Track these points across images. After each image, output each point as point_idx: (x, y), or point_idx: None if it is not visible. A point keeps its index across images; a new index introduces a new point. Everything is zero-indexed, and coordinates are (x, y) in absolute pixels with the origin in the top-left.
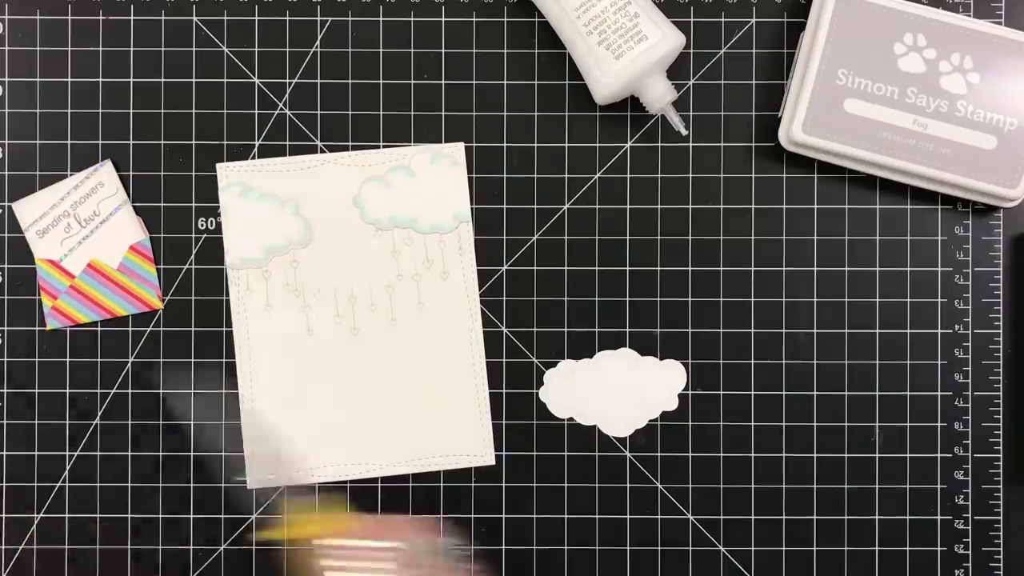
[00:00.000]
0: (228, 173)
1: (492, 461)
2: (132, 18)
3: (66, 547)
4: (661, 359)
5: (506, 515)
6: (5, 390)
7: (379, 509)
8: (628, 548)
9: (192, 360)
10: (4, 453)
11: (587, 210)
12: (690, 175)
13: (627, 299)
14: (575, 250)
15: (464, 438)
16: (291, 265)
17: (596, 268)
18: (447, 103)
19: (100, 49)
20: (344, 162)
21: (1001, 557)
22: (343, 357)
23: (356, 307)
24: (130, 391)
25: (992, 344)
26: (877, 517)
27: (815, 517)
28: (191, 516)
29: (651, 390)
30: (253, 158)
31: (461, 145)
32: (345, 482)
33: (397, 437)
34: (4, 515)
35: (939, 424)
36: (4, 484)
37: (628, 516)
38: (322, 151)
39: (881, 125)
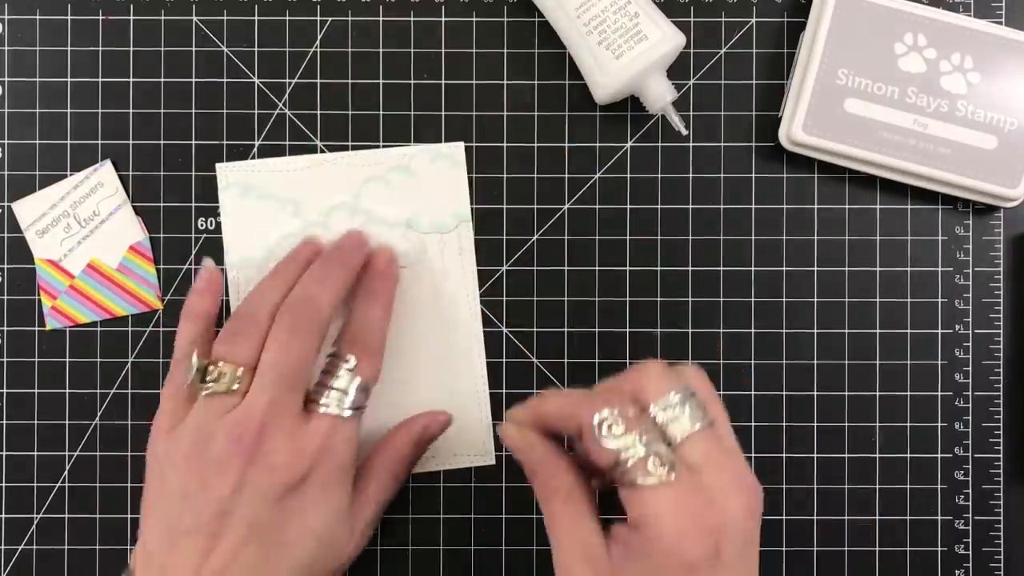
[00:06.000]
0: (228, 173)
1: (492, 461)
2: (132, 18)
3: (66, 547)
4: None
5: (506, 515)
6: (5, 390)
7: None
8: None
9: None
10: (4, 453)
11: (587, 210)
12: (690, 175)
13: (627, 299)
14: (575, 250)
15: (464, 438)
16: None
17: (596, 268)
18: (447, 103)
19: (100, 49)
20: (344, 162)
21: (1001, 557)
22: None
23: None
24: (130, 391)
25: (992, 344)
26: (877, 517)
27: (815, 517)
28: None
29: None
30: (253, 158)
31: (461, 145)
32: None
33: None
34: (4, 515)
35: (939, 424)
36: (4, 484)
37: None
38: (322, 151)
39: (881, 125)
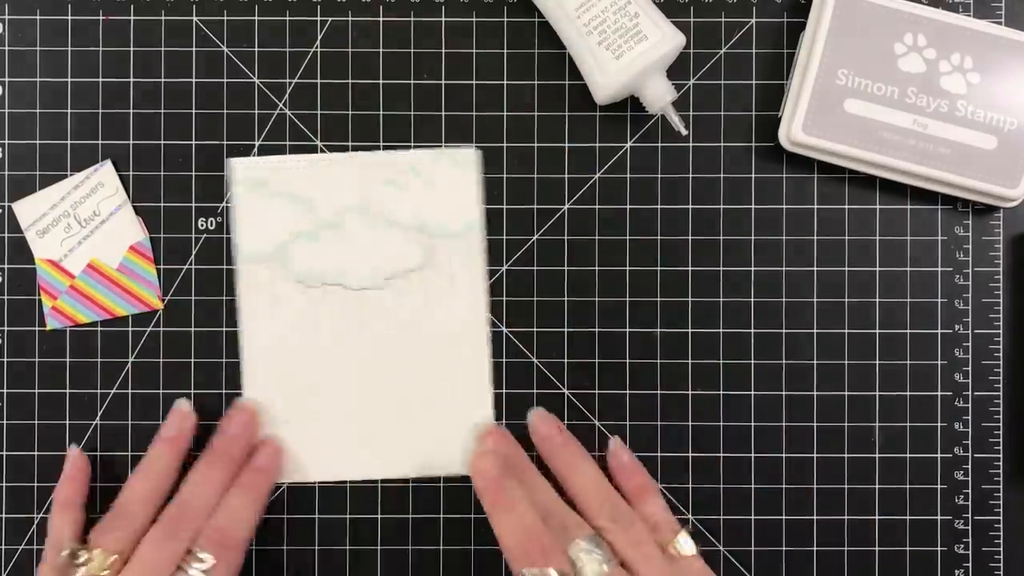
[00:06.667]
0: (241, 168)
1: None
2: (132, 18)
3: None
4: (661, 360)
5: None
6: (5, 390)
7: (379, 510)
8: None
9: (192, 360)
10: (4, 453)
11: (587, 210)
12: (690, 175)
13: (627, 299)
14: (575, 250)
15: (467, 443)
16: (300, 263)
17: (596, 268)
18: (447, 103)
19: (100, 49)
20: (357, 162)
21: (1001, 557)
22: (348, 357)
23: (364, 307)
24: (130, 391)
25: (992, 344)
26: (877, 517)
27: (815, 517)
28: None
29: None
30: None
31: (475, 150)
32: (345, 482)
33: (399, 439)
34: (4, 515)
35: (939, 424)
36: (4, 484)
37: None
38: (322, 151)
39: (881, 125)
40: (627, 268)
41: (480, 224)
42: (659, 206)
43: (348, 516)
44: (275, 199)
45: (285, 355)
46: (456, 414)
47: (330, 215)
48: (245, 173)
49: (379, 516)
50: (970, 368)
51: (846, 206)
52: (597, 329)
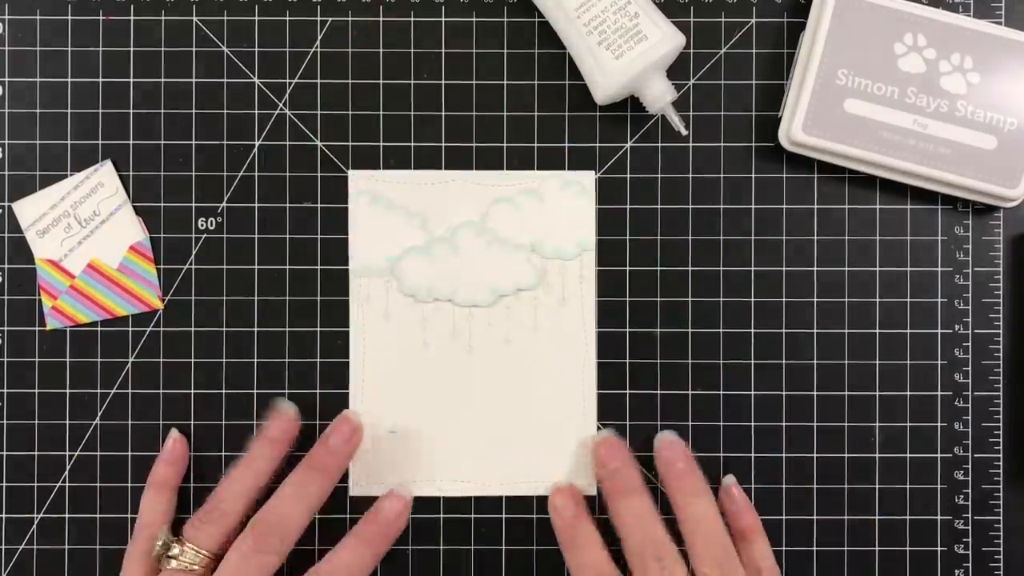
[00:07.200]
0: (358, 181)
1: (594, 492)
2: (132, 18)
3: (66, 547)
4: (661, 359)
5: (506, 515)
6: (5, 390)
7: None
8: None
9: (192, 360)
10: (4, 453)
11: None
12: (690, 175)
13: (627, 299)
14: None
15: (569, 467)
16: (412, 277)
17: (596, 268)
18: (447, 103)
19: (100, 49)
20: (474, 181)
21: (1001, 557)
22: (454, 373)
23: (472, 325)
24: (130, 391)
25: (992, 344)
26: (877, 517)
27: (815, 517)
28: (191, 517)
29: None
30: (254, 159)
31: (592, 174)
32: (438, 497)
33: (500, 457)
34: (4, 515)
35: (939, 424)
36: (4, 484)
37: None
38: (322, 151)
39: (881, 125)
40: (627, 268)
41: (594, 248)
42: (659, 206)
43: (348, 516)
44: (390, 213)
45: (392, 367)
46: (558, 436)
47: (443, 231)
48: (361, 185)
49: None
50: (970, 368)
51: (846, 206)
52: (597, 329)
